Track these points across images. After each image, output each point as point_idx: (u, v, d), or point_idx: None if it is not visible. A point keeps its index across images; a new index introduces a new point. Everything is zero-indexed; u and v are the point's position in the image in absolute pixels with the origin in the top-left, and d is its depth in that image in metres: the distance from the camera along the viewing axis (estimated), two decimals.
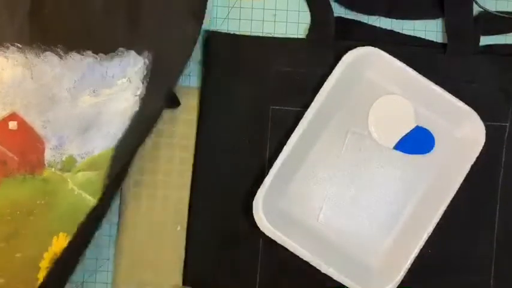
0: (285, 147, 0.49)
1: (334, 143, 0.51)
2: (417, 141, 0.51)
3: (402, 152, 0.51)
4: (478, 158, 0.49)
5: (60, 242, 0.49)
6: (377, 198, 0.51)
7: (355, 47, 0.50)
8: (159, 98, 0.50)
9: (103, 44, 0.50)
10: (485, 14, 0.53)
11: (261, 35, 0.53)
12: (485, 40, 0.53)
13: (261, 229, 0.48)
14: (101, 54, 0.50)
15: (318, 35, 0.52)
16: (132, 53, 0.50)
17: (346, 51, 0.50)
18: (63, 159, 0.50)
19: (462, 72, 0.52)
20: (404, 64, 0.50)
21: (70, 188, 0.49)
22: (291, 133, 0.49)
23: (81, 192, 0.50)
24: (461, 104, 0.50)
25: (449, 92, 0.50)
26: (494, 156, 0.51)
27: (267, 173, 0.49)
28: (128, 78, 0.50)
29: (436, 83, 0.50)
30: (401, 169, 0.51)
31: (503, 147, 0.52)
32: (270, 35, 0.53)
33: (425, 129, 0.51)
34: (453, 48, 0.52)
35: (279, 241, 0.48)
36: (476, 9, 0.53)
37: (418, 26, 0.54)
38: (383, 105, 0.51)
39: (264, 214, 0.48)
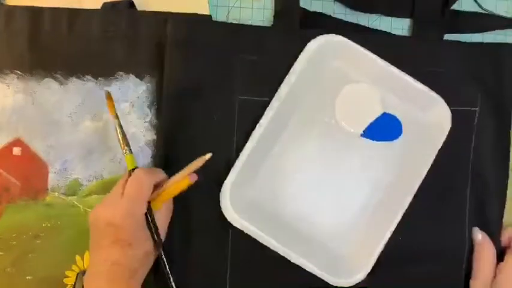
0: (251, 137, 0.48)
1: (301, 132, 0.50)
2: (385, 128, 0.50)
3: (370, 139, 0.50)
4: (447, 143, 0.49)
5: (88, 260, 0.49)
6: (346, 187, 0.50)
7: (320, 35, 0.49)
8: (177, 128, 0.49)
9: (102, 68, 0.50)
10: (452, 12, 0.53)
11: None
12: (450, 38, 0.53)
13: (228, 219, 0.47)
14: (100, 78, 0.50)
15: (283, 23, 0.51)
16: (132, 76, 0.50)
17: (311, 40, 0.49)
18: (68, 183, 0.50)
19: (429, 58, 0.51)
20: (370, 51, 0.49)
21: (83, 211, 0.50)
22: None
23: None
24: (427, 90, 0.49)
25: (417, 78, 0.49)
26: (463, 141, 0.50)
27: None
28: (130, 103, 0.50)
29: (403, 71, 0.49)
30: (370, 156, 0.50)
31: (472, 132, 0.51)
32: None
33: (393, 115, 0.50)
34: (418, 34, 0.52)
35: (246, 231, 0.47)
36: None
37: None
38: (349, 94, 0.50)
39: (232, 205, 0.47)
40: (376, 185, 0.50)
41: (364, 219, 0.50)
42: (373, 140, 0.50)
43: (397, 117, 0.50)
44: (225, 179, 0.48)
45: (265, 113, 0.48)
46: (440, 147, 0.48)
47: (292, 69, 0.48)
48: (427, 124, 0.50)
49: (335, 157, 0.50)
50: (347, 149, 0.50)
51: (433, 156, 0.48)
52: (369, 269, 0.48)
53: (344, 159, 0.50)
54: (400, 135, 0.50)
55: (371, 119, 0.50)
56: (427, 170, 0.48)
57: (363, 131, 0.50)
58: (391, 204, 0.49)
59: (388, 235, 0.48)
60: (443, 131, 0.49)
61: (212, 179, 0.48)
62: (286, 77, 0.48)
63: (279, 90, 0.48)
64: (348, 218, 0.50)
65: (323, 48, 0.49)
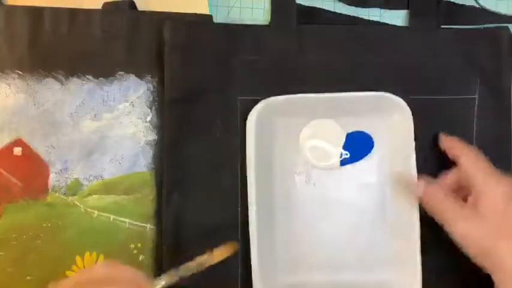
0: (250, 226, 0.47)
1: (288, 193, 0.49)
2: (356, 147, 0.50)
3: (350, 163, 0.50)
4: (448, 132, 0.48)
5: (89, 261, 0.50)
6: (349, 225, 0.49)
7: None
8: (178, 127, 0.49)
9: (103, 68, 0.50)
10: (448, 4, 0.53)
11: None
12: None
13: None
14: (101, 78, 0.50)
15: (280, 20, 0.51)
16: (132, 76, 0.50)
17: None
18: (68, 183, 0.50)
19: (427, 47, 0.50)
20: (309, 94, 0.48)
21: (83, 211, 0.50)
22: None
23: (105, 214, 0.50)
24: (369, 93, 0.48)
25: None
26: (464, 129, 0.50)
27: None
28: (131, 103, 0.50)
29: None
30: (359, 180, 0.50)
31: (473, 120, 0.50)
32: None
33: (356, 132, 0.50)
34: (415, 23, 0.52)
35: None
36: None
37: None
38: (309, 136, 0.50)
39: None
40: (378, 202, 0.50)
41: (385, 240, 0.49)
42: (353, 161, 0.50)
43: (362, 131, 0.50)
44: (233, 180, 0.48)
45: (248, 194, 0.47)
46: (413, 134, 0.47)
47: (246, 148, 0.48)
48: (391, 123, 0.49)
49: (331, 199, 0.50)
50: (336, 184, 0.50)
51: (413, 145, 0.47)
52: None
53: (338, 196, 0.50)
54: (372, 145, 0.50)
55: (340, 146, 0.50)
56: (415, 159, 0.47)
57: (340, 161, 0.50)
58: (402, 212, 0.48)
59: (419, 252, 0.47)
60: (408, 119, 0.48)
61: (220, 181, 0.48)
62: (246, 155, 0.48)
63: (247, 168, 0.47)
64: (371, 247, 0.49)
65: (261, 116, 0.48)
